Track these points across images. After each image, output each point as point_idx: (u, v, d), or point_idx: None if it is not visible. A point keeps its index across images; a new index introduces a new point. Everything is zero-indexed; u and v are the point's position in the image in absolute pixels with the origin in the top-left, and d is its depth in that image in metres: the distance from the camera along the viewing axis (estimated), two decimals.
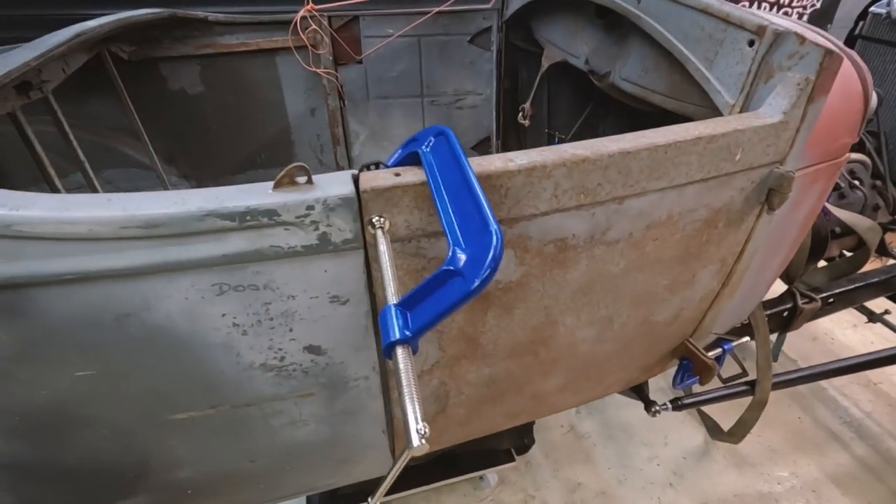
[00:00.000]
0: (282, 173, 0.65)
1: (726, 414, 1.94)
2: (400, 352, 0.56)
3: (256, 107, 2.38)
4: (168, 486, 0.95)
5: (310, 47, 2.23)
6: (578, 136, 2.00)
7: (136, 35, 1.78)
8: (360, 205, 0.67)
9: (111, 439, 0.83)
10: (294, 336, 0.78)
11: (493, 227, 0.56)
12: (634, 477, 2.18)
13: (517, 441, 1.95)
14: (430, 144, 0.71)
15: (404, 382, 0.53)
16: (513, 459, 2.02)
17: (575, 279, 0.93)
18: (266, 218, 0.65)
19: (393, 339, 0.57)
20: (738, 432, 1.93)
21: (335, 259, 0.72)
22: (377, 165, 0.72)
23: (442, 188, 0.65)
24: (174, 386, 0.79)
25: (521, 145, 2.58)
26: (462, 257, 0.57)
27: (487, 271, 0.53)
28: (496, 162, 0.73)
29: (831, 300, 1.97)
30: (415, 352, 0.56)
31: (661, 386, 2.51)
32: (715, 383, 1.76)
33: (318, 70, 2.29)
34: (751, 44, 0.97)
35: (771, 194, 0.98)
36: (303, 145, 2.56)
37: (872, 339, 2.84)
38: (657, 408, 1.74)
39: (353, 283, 0.76)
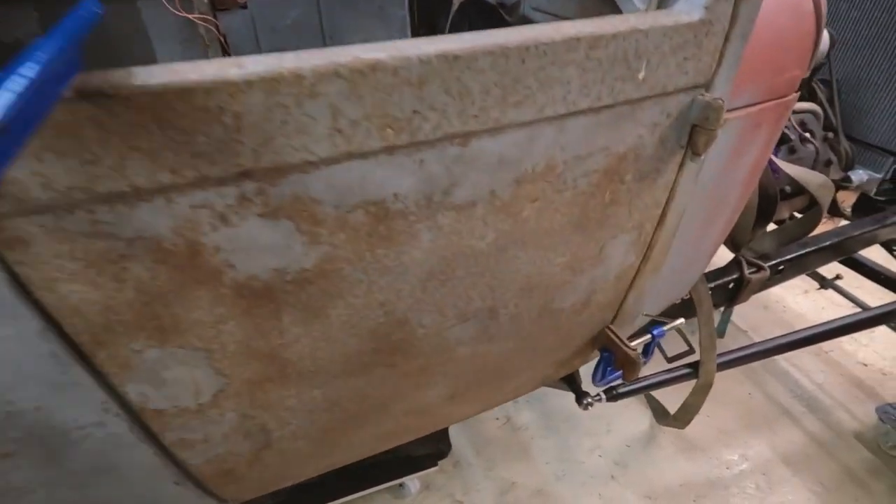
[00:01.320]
0: None
1: (677, 393, 1.72)
2: None
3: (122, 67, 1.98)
4: None
5: None
6: None
7: None
8: None
9: None
10: None
11: None
12: (574, 471, 1.97)
13: (431, 448, 1.69)
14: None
15: None
16: (435, 464, 1.77)
17: (418, 261, 0.64)
18: None
19: None
20: (682, 417, 1.73)
21: None
22: None
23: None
24: None
25: None
26: None
27: None
28: (208, 67, 0.41)
29: (781, 268, 1.76)
30: None
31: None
32: (659, 364, 1.55)
33: (190, 16, 1.90)
34: None
35: (695, 133, 0.71)
36: None
37: (824, 304, 2.71)
38: (589, 400, 1.50)
39: None
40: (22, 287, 0.45)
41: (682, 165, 0.77)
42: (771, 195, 1.62)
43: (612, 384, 1.54)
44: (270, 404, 0.71)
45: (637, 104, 0.64)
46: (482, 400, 1.08)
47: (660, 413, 2.08)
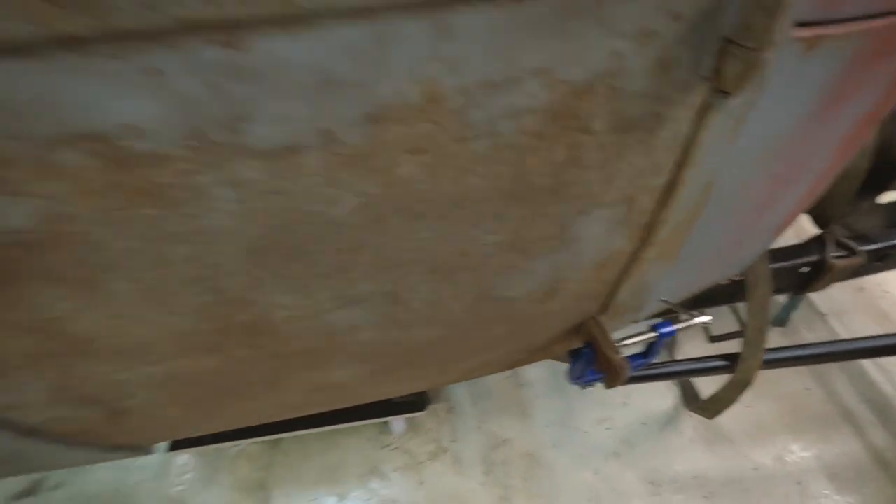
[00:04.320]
0: None
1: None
2: None
3: None
4: None
5: None
6: None
7: None
8: None
9: None
10: None
11: None
12: (574, 440, 1.80)
13: (408, 397, 1.58)
14: None
15: None
16: (422, 409, 1.68)
17: (227, 229, 0.42)
18: None
19: None
20: (711, 408, 1.47)
21: None
22: None
23: None
24: None
25: None
26: None
27: None
28: None
29: (886, 254, 1.34)
30: None
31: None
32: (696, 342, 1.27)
33: None
34: None
35: (726, 55, 0.40)
36: None
37: None
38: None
39: None
40: None
41: (704, 110, 0.46)
42: (893, 157, 1.17)
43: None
44: (89, 378, 0.57)
45: None
46: (423, 378, 0.89)
47: (689, 396, 1.83)
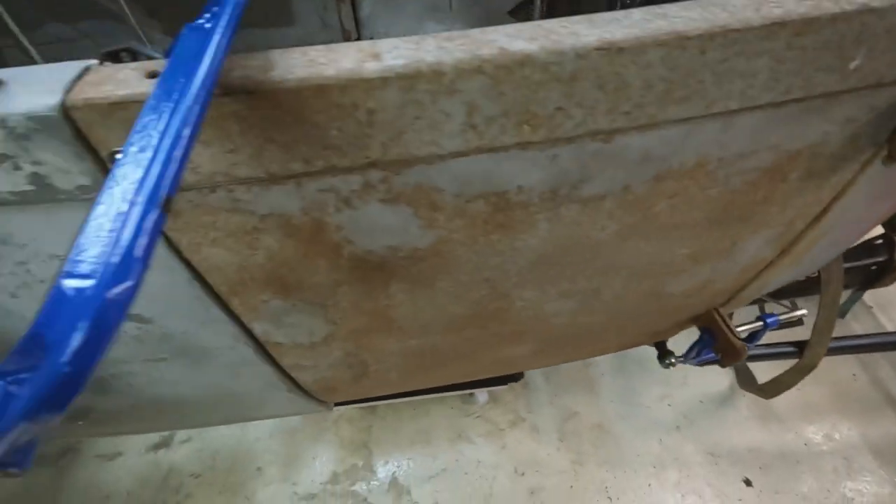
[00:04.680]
0: None
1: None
2: None
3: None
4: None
5: None
6: None
7: None
8: (78, 132, 0.37)
9: None
10: None
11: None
12: (639, 414, 2.00)
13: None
14: (215, 15, 0.37)
15: None
16: (504, 383, 1.88)
17: (531, 247, 0.61)
18: None
19: None
20: (771, 390, 1.65)
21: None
22: (133, 55, 0.40)
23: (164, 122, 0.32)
24: None
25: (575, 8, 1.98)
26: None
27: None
28: (345, 59, 0.38)
29: None
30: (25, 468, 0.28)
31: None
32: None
33: None
34: None
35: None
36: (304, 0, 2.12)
37: None
38: (672, 360, 1.46)
39: None
40: (174, 248, 0.49)
41: (866, 164, 0.63)
42: None
43: None
44: (372, 348, 0.76)
45: (835, 97, 0.51)
46: (562, 356, 1.09)
47: (745, 378, 1.99)
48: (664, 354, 1.47)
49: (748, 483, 1.81)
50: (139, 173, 0.28)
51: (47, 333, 0.23)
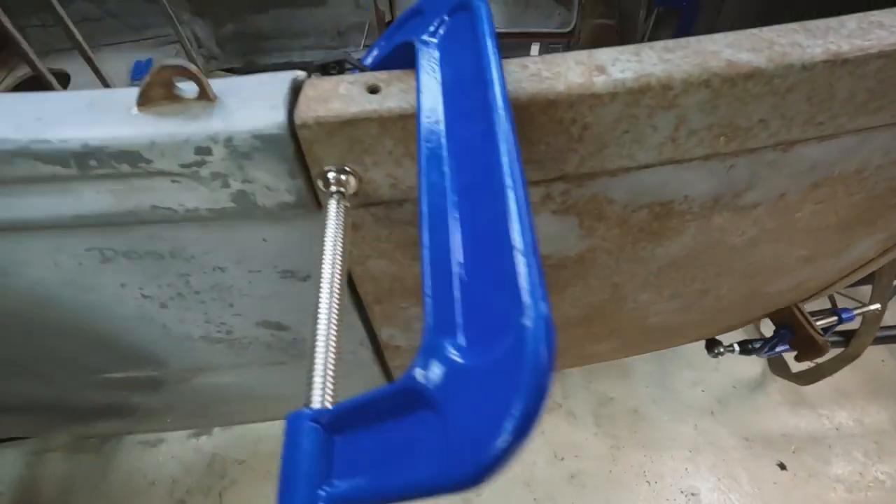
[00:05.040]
0: (147, 76, 0.34)
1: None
2: None
3: None
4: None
5: None
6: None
7: None
8: (298, 150, 0.36)
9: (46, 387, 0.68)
10: (238, 311, 0.55)
11: (531, 310, 0.23)
12: (672, 399, 2.03)
13: None
14: (441, 28, 0.35)
15: None
16: None
17: (669, 253, 0.60)
18: (126, 164, 0.35)
19: None
20: (809, 377, 1.67)
21: (277, 227, 0.44)
22: (340, 68, 0.38)
23: (443, 134, 0.31)
24: (89, 351, 0.59)
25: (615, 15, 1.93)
26: (443, 373, 0.24)
27: (498, 446, 0.20)
28: (571, 73, 0.37)
29: None
30: None
31: None
32: None
33: None
34: None
35: None
36: None
37: None
38: (721, 349, 1.48)
39: (313, 257, 0.48)
40: None
41: None
42: None
43: (748, 338, 1.48)
44: None
45: None
46: (639, 350, 1.09)
47: (777, 365, 2.02)
48: (713, 344, 1.48)
49: (782, 467, 1.86)
50: None
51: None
